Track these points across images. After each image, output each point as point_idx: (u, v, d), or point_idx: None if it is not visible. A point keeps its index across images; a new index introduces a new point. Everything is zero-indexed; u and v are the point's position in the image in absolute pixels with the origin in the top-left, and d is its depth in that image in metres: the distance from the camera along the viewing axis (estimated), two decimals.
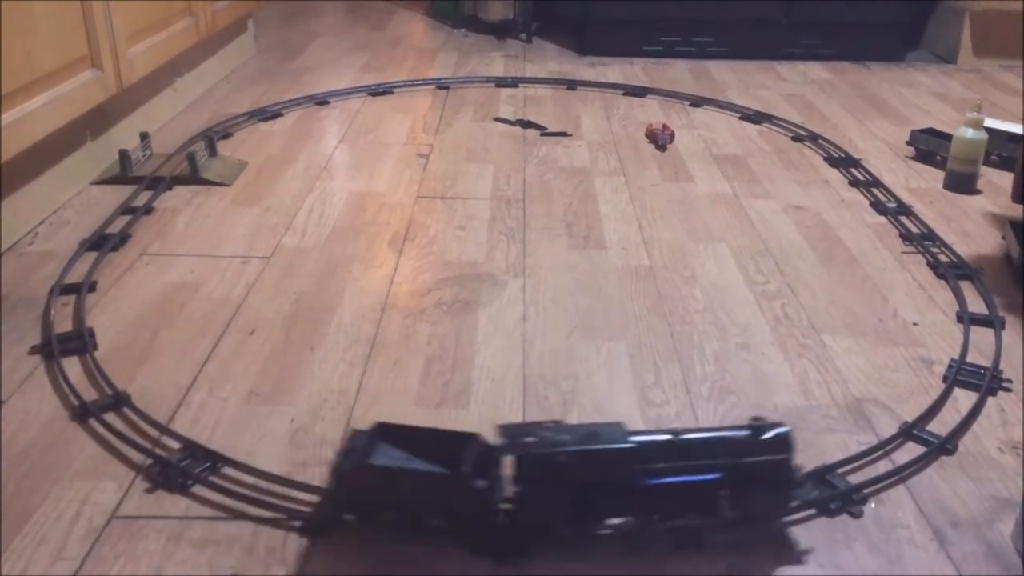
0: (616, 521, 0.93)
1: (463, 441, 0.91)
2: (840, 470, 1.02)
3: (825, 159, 2.02)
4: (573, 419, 1.11)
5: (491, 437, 0.91)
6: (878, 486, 1.00)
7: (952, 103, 2.48)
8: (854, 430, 1.10)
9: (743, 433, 0.92)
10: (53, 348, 1.21)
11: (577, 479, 0.88)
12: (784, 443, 0.91)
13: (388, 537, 0.91)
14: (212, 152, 1.90)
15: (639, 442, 0.89)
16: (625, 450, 0.88)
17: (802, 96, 2.52)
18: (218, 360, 1.22)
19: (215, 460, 1.01)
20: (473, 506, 0.89)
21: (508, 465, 0.88)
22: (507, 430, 0.90)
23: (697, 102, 2.42)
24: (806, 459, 1.01)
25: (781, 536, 0.93)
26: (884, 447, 1.06)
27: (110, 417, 1.09)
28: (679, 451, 0.91)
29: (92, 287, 1.39)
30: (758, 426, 0.92)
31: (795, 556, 0.90)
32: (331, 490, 0.92)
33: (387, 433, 0.92)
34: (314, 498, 0.96)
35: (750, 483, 0.90)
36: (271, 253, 1.52)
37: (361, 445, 0.90)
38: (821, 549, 0.91)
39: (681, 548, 0.91)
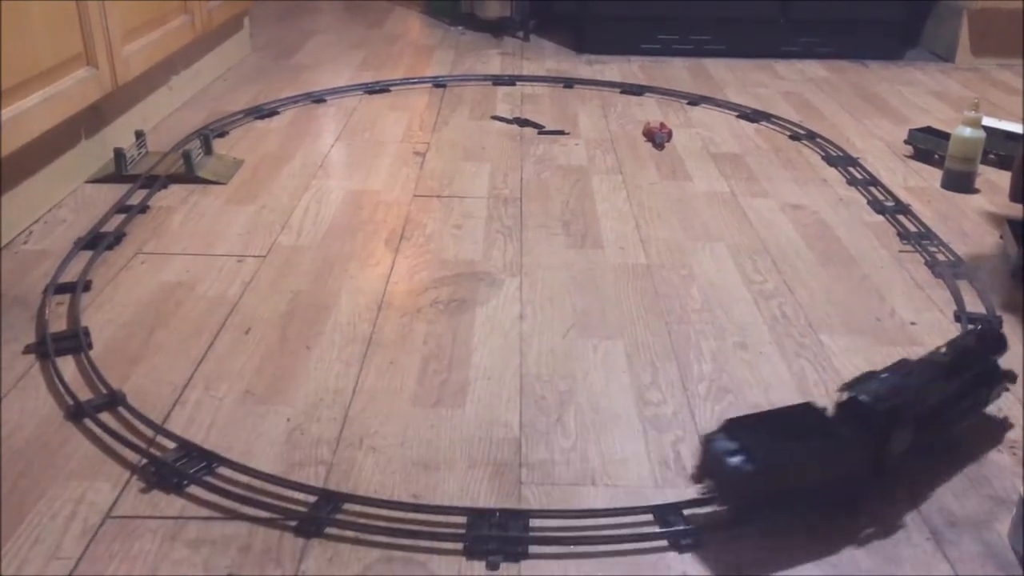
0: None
1: (803, 412, 0.96)
2: None
3: (823, 158, 2.02)
4: (571, 419, 1.10)
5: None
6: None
7: (950, 102, 2.48)
8: None
9: (973, 339, 1.11)
10: (48, 347, 1.21)
11: (921, 412, 0.97)
12: (1001, 340, 1.12)
13: (771, 523, 0.93)
14: (208, 150, 1.89)
15: (939, 365, 1.03)
16: (944, 378, 1.00)
17: (800, 94, 2.52)
18: (214, 359, 1.21)
19: (210, 460, 1.01)
20: (864, 465, 0.95)
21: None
22: (856, 384, 0.98)
23: (695, 100, 2.42)
24: None
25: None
26: None
27: (105, 417, 1.09)
28: (946, 367, 1.03)
29: (87, 286, 1.38)
30: (979, 331, 1.17)
31: (794, 555, 0.90)
32: (732, 495, 0.92)
33: (740, 426, 0.93)
34: (311, 498, 0.96)
35: (988, 377, 1.07)
36: (267, 252, 1.52)
37: (733, 445, 0.90)
38: (819, 548, 0.91)
39: (681, 548, 0.91)
